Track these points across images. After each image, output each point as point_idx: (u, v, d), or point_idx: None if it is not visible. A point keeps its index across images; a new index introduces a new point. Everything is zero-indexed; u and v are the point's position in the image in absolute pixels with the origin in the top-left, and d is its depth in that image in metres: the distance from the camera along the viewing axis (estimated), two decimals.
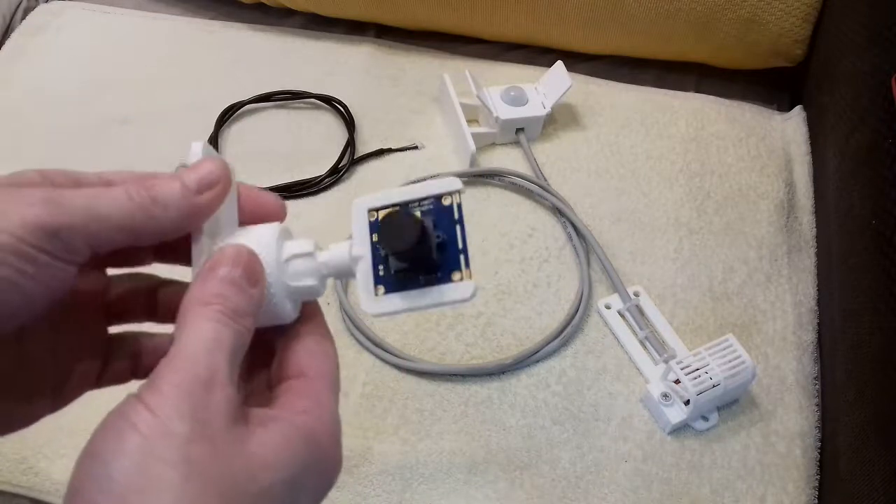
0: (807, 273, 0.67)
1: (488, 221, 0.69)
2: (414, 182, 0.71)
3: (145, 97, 0.77)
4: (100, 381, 0.30)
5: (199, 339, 0.24)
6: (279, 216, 0.30)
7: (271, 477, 0.23)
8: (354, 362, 0.61)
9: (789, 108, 0.79)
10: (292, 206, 0.71)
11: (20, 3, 0.87)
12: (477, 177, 0.72)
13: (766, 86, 0.83)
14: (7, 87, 0.79)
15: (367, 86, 0.80)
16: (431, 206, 0.28)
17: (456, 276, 0.27)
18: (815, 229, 0.69)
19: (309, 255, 0.29)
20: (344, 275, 0.29)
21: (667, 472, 0.56)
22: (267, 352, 0.29)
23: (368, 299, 0.28)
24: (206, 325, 0.24)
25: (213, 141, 0.74)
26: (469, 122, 0.73)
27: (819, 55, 0.77)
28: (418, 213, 0.28)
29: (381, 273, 0.28)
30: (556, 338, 0.62)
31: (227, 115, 0.76)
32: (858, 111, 0.64)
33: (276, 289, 0.28)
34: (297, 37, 0.84)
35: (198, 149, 0.29)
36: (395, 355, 0.61)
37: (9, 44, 0.83)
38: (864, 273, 0.57)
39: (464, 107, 0.73)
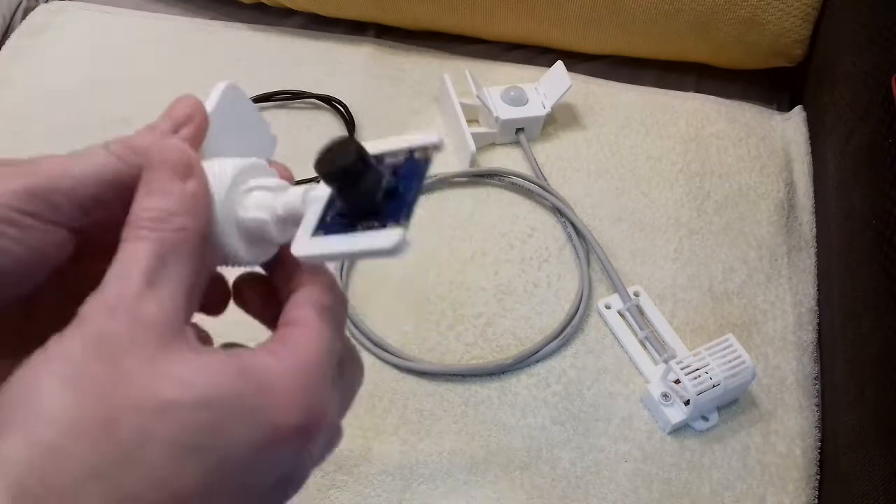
0: (807, 273, 0.67)
1: (488, 221, 0.69)
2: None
3: (145, 97, 0.77)
4: None
5: (113, 266, 0.23)
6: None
7: (175, 392, 0.21)
8: None
9: (789, 108, 0.79)
10: None
11: (20, 3, 0.87)
12: (477, 177, 0.72)
13: (766, 86, 0.83)
14: (7, 87, 0.79)
15: (367, 86, 0.80)
16: (403, 159, 0.26)
17: (392, 226, 0.24)
18: (815, 229, 0.69)
19: (268, 189, 0.27)
20: (296, 217, 0.27)
21: (667, 472, 0.56)
22: None
23: (299, 240, 0.26)
24: (122, 247, 0.23)
25: None
26: (469, 122, 0.73)
27: (819, 55, 0.77)
28: (389, 163, 0.26)
29: (327, 219, 0.26)
30: (556, 338, 0.62)
31: None
32: (858, 111, 0.64)
33: (221, 219, 0.26)
34: (297, 37, 0.84)
35: (217, 91, 0.28)
36: (395, 355, 0.61)
37: (9, 44, 0.83)
38: (864, 273, 0.57)
39: (464, 107, 0.73)
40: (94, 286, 0.25)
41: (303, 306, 0.26)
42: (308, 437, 0.24)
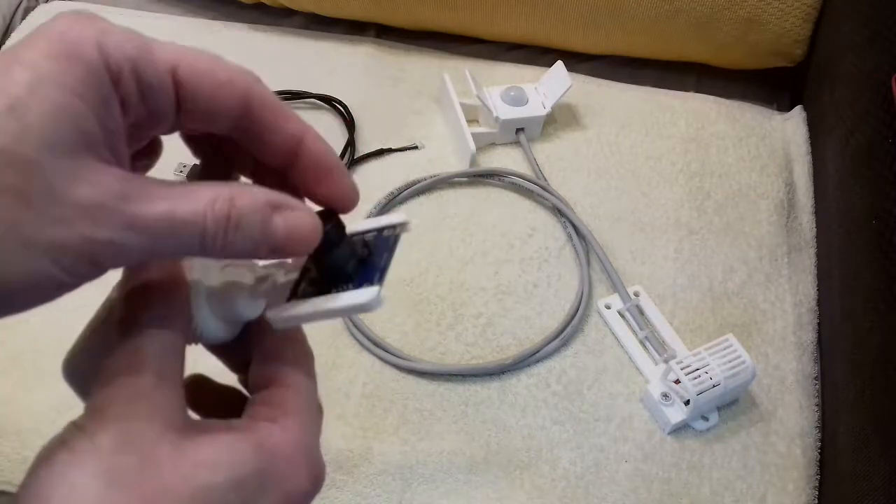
0: (807, 273, 0.67)
1: (488, 221, 0.69)
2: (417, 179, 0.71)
3: None
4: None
5: (119, 359, 0.24)
6: (348, 203, 0.27)
7: (208, 476, 0.22)
8: (354, 362, 0.61)
9: (789, 108, 0.79)
10: None
11: (20, 3, 0.87)
12: (477, 177, 0.72)
13: (766, 86, 0.83)
14: None
15: (367, 86, 0.79)
16: (373, 235, 0.27)
17: (367, 286, 0.25)
18: (815, 229, 0.69)
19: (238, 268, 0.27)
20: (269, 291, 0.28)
21: (667, 472, 0.56)
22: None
23: (273, 309, 0.27)
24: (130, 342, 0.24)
25: None
26: (469, 122, 0.73)
27: (819, 55, 0.77)
28: (359, 239, 0.27)
29: (298, 291, 0.27)
30: (556, 338, 0.62)
31: None
32: (858, 111, 0.64)
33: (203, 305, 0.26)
34: (297, 37, 0.84)
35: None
36: (395, 355, 0.61)
37: (9, 44, 0.83)
38: (864, 273, 0.57)
39: (464, 107, 0.73)
40: None
41: (286, 364, 0.27)
42: (313, 496, 0.25)
